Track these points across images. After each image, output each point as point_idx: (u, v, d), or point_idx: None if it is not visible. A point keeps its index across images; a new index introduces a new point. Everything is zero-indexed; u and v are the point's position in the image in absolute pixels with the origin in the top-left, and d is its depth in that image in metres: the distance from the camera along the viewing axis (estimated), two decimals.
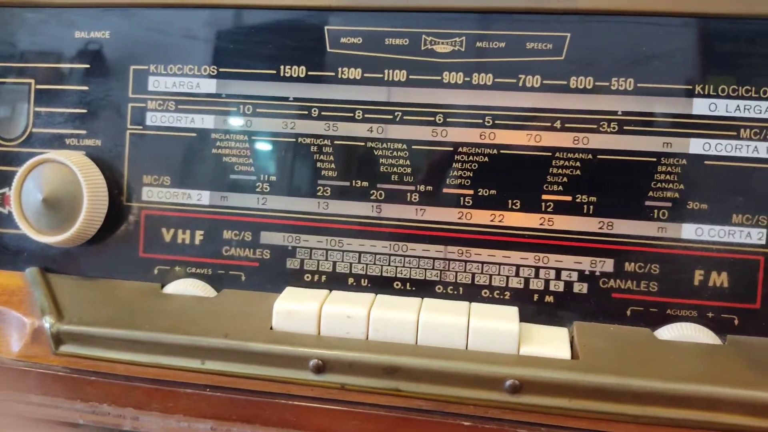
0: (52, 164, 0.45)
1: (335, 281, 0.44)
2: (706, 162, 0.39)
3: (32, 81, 0.48)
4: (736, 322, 0.39)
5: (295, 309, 0.41)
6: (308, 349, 0.39)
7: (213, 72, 0.45)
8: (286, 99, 0.44)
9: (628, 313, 0.40)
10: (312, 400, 0.40)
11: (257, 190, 0.45)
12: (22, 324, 0.44)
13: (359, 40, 0.43)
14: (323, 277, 0.44)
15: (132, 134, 0.46)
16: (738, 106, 0.39)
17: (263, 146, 0.45)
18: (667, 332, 0.39)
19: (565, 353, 0.37)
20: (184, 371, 0.41)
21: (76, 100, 0.47)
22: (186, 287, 0.45)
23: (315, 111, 0.44)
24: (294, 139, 0.44)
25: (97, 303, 0.44)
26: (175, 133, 0.46)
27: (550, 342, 0.38)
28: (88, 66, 0.47)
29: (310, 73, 0.44)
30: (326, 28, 0.44)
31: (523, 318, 0.41)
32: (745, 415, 0.34)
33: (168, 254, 0.46)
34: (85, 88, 0.47)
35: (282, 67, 0.44)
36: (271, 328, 0.41)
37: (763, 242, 0.39)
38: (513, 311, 0.40)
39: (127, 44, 0.47)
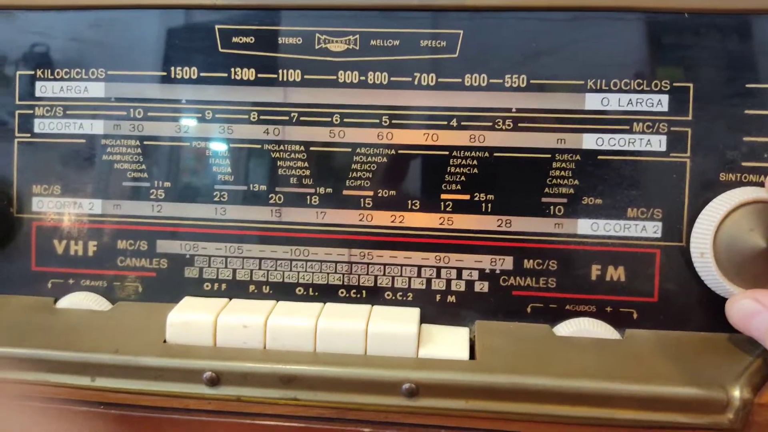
0: None
1: (236, 289, 0.43)
2: (599, 157, 0.39)
3: None
4: (634, 315, 0.39)
5: (189, 320, 0.39)
6: (202, 362, 0.37)
7: (101, 75, 0.43)
8: (178, 101, 0.43)
9: (529, 310, 0.40)
10: (209, 414, 0.38)
11: (151, 197, 0.43)
12: None
13: (251, 40, 0.42)
14: (223, 285, 0.43)
15: (20, 142, 0.44)
16: (630, 100, 0.39)
17: (156, 151, 0.43)
18: (566, 328, 0.39)
19: (463, 354, 0.37)
20: (75, 389, 0.39)
21: None
22: (80, 301, 0.43)
23: (209, 113, 0.42)
24: (188, 143, 0.43)
25: None
26: (65, 140, 0.44)
27: (450, 343, 0.38)
28: None
29: (202, 74, 0.42)
30: (216, 27, 0.42)
31: (427, 319, 0.40)
32: (640, 410, 0.34)
33: (61, 267, 0.44)
34: None
35: (173, 68, 0.43)
36: (164, 341, 0.39)
37: (659, 235, 0.39)
38: (414, 313, 0.39)
39: (11, 49, 0.44)
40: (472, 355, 0.37)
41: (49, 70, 0.44)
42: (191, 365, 0.37)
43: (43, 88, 0.44)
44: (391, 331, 0.37)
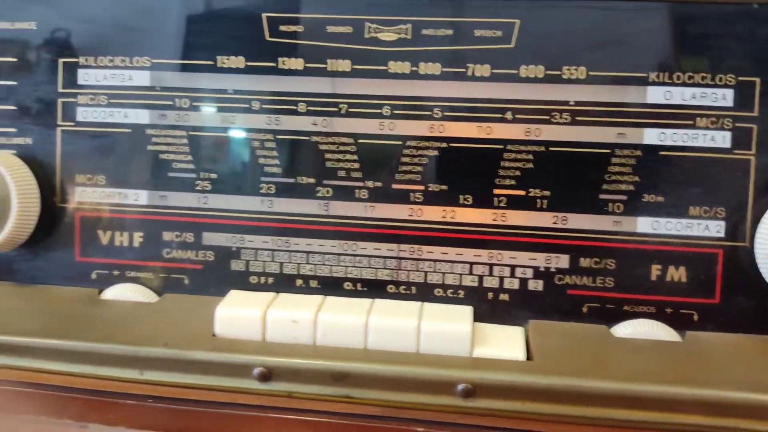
0: None
1: (283, 283, 0.42)
2: (661, 152, 0.38)
3: None
4: (695, 317, 0.38)
5: (238, 314, 0.39)
6: (252, 357, 0.37)
7: (146, 63, 0.43)
8: (224, 91, 0.42)
9: (585, 310, 0.39)
10: (258, 408, 0.38)
11: (198, 188, 0.42)
12: None
13: (300, 28, 0.41)
14: (270, 279, 0.42)
15: (63, 131, 0.44)
16: (694, 94, 0.38)
17: (202, 142, 0.42)
18: (624, 329, 0.38)
19: (519, 354, 0.36)
20: (123, 382, 0.39)
21: (3, 96, 0.44)
22: (125, 292, 0.43)
23: (256, 104, 0.42)
24: (235, 134, 0.42)
25: (31, 311, 0.42)
26: (108, 129, 0.43)
27: (505, 343, 0.37)
28: (15, 59, 0.44)
29: (249, 63, 0.42)
30: (264, 15, 0.41)
31: (478, 317, 0.39)
32: (703, 415, 0.33)
33: (106, 258, 0.44)
34: (14, 83, 0.44)
35: (219, 57, 0.42)
36: (213, 335, 0.39)
37: (722, 235, 0.38)
38: (466, 311, 0.38)
39: (55, 35, 0.44)
40: (527, 356, 0.36)
41: (93, 58, 0.43)
42: (241, 360, 0.37)
43: (86, 76, 0.43)
44: (444, 330, 0.37)
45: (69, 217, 0.44)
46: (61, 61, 0.44)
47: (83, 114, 0.43)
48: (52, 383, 0.40)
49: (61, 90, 0.44)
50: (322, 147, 0.41)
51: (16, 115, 0.44)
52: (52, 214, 0.44)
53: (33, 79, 0.44)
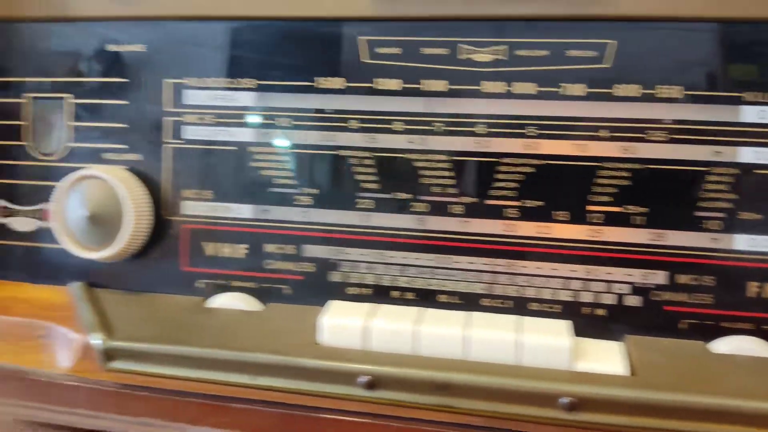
0: (95, 180, 0.45)
1: (379, 294, 0.44)
2: (756, 171, 0.39)
3: (70, 95, 0.48)
4: None
5: (341, 324, 0.41)
6: (358, 365, 0.39)
7: (250, 85, 0.45)
8: (323, 111, 0.44)
9: (682, 326, 0.40)
10: (362, 415, 0.40)
11: (298, 203, 0.45)
12: (70, 340, 0.45)
13: (396, 50, 0.43)
14: (367, 290, 0.44)
15: (170, 148, 0.46)
16: None
17: (302, 159, 0.44)
18: (723, 345, 0.38)
19: (620, 369, 0.37)
20: (236, 386, 0.41)
21: (115, 115, 0.47)
22: (231, 301, 0.45)
23: (353, 123, 0.43)
24: (333, 152, 0.44)
25: (144, 318, 0.45)
26: (214, 147, 0.46)
27: (604, 357, 0.38)
28: (126, 80, 0.47)
29: (347, 84, 0.43)
30: (362, 38, 0.43)
31: (574, 332, 0.40)
32: None
33: (210, 268, 0.46)
34: (125, 102, 0.47)
35: (318, 78, 0.44)
36: (318, 343, 0.41)
37: None
38: (565, 325, 0.40)
39: (162, 57, 0.46)
40: (628, 371, 0.37)
41: (198, 79, 0.46)
42: (348, 368, 0.39)
43: (193, 96, 0.46)
44: (546, 343, 0.38)
45: (176, 229, 0.47)
46: (168, 81, 0.46)
47: (190, 132, 0.46)
48: (166, 387, 0.43)
49: (168, 109, 0.46)
50: (417, 164, 0.43)
51: (127, 133, 0.47)
52: (160, 226, 0.47)
53: (142, 99, 0.47)
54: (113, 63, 0.47)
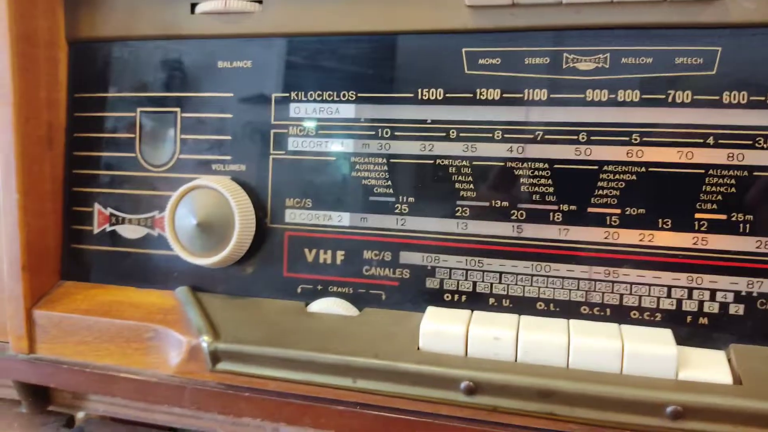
0: (204, 190, 0.47)
1: (475, 301, 0.44)
2: None
3: (178, 110, 0.51)
4: None
5: (442, 330, 0.41)
6: (459, 371, 0.39)
7: (352, 97, 0.46)
8: (424, 122, 0.45)
9: None
10: (462, 420, 0.41)
11: (396, 211, 0.46)
12: (178, 342, 0.47)
13: (498, 61, 0.43)
14: (463, 297, 0.45)
15: (275, 159, 0.48)
16: None
17: (402, 168, 0.46)
18: None
19: (726, 378, 0.36)
20: (336, 389, 0.42)
21: (220, 127, 0.49)
22: (330, 306, 0.47)
23: (453, 132, 0.44)
24: (432, 161, 0.45)
25: (249, 321, 0.46)
26: (316, 158, 0.47)
27: (709, 366, 0.37)
28: (231, 95, 0.49)
29: (447, 95, 0.44)
30: (464, 50, 0.44)
31: (675, 340, 0.40)
32: None
33: (311, 274, 0.48)
34: (230, 115, 0.49)
35: (420, 90, 0.45)
36: (418, 348, 0.42)
37: None
38: (668, 334, 0.39)
39: (268, 73, 0.48)
40: (734, 380, 0.36)
41: (303, 93, 0.48)
42: (449, 374, 0.39)
43: (297, 109, 0.48)
44: (650, 352, 0.37)
45: (279, 236, 0.49)
46: (273, 95, 0.48)
47: (293, 143, 0.48)
48: (268, 389, 0.44)
49: (273, 122, 0.48)
50: (517, 172, 0.43)
51: (231, 144, 0.49)
52: (263, 234, 0.49)
53: (247, 112, 0.49)
54: (221, 79, 0.49)
